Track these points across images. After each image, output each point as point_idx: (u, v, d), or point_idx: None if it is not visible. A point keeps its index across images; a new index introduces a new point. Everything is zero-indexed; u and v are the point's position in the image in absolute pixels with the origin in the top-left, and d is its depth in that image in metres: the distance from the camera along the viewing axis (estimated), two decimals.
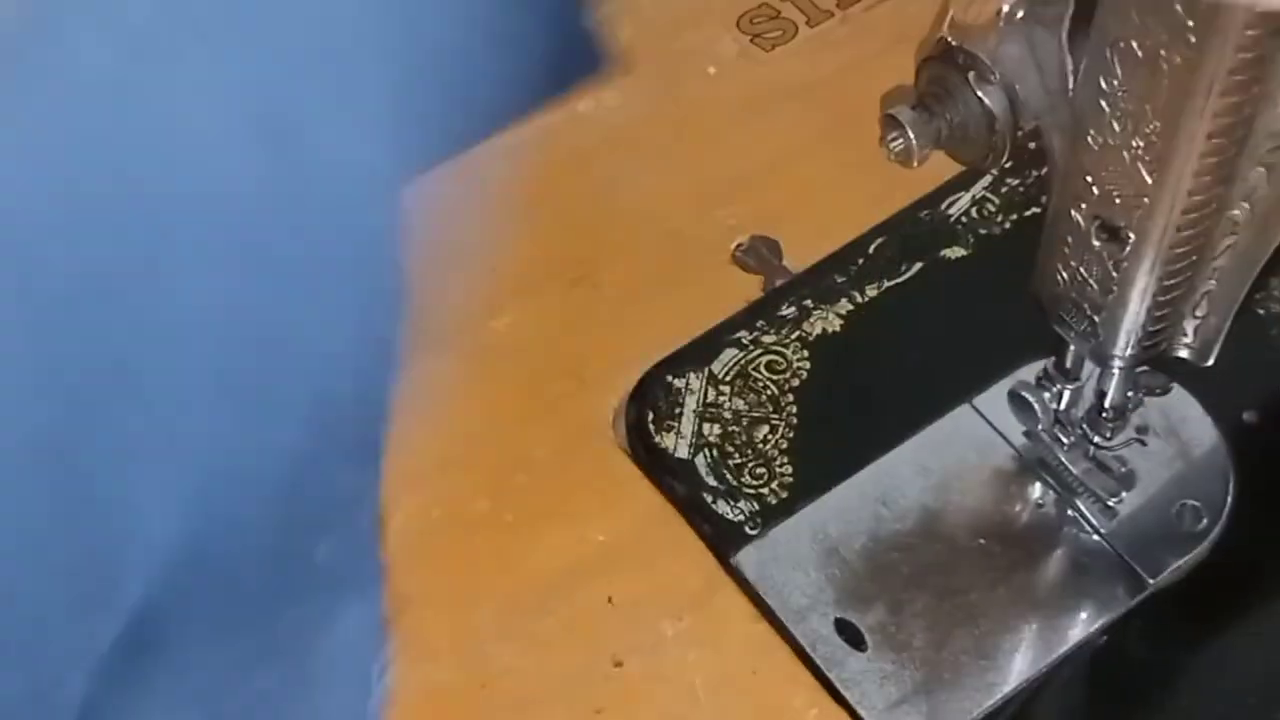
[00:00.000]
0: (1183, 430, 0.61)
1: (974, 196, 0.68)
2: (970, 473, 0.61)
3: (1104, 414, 0.57)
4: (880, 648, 0.57)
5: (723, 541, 0.60)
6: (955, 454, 0.62)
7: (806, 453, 0.62)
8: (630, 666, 0.58)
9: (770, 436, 0.62)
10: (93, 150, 0.36)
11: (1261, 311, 0.64)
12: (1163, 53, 0.43)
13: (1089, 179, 0.48)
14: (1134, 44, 0.44)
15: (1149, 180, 0.46)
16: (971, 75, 0.48)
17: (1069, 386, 0.57)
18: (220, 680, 0.44)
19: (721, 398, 0.63)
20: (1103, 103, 0.46)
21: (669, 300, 0.67)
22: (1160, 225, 0.47)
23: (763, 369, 0.64)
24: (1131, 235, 0.48)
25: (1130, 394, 0.57)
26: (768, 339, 0.65)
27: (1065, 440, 0.59)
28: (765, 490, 0.61)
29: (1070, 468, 0.59)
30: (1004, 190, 0.68)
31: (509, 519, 0.61)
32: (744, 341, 0.65)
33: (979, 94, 0.48)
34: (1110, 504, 0.59)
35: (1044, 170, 0.51)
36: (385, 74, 0.40)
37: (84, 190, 0.36)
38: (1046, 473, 0.60)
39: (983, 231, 0.67)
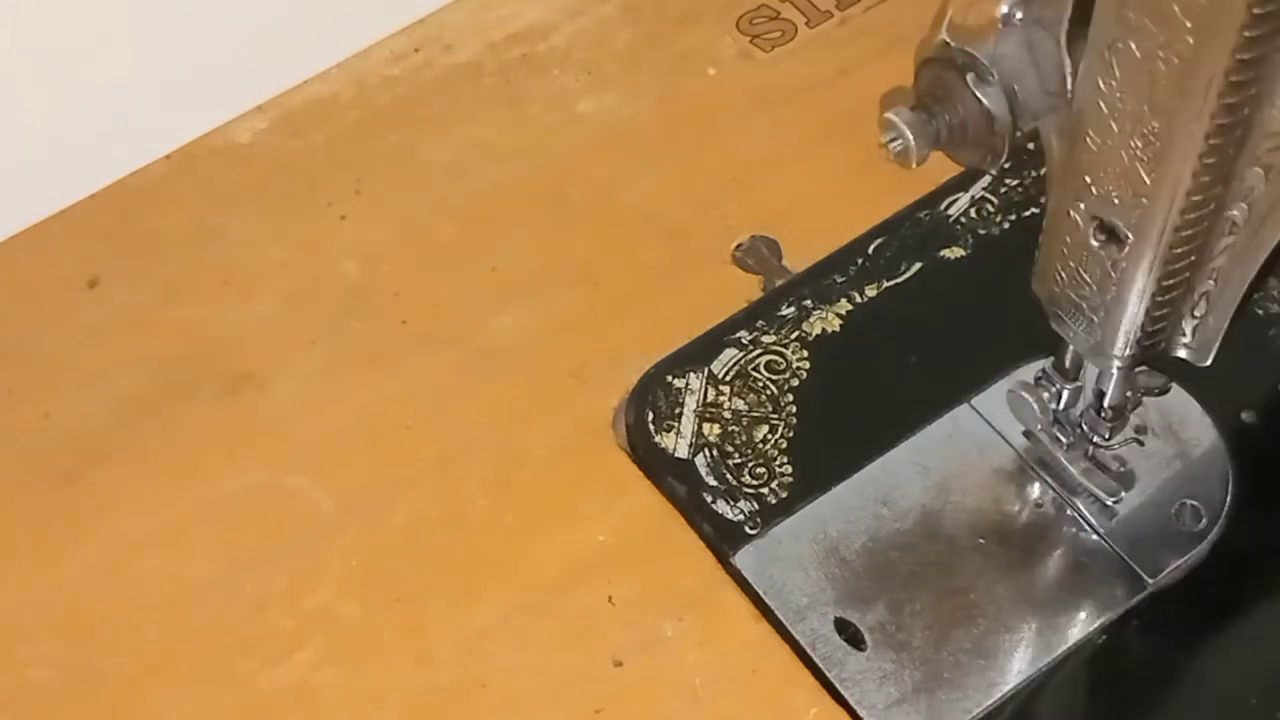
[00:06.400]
0: (1182, 430, 0.61)
1: (973, 197, 0.68)
2: (970, 473, 0.61)
3: (1103, 414, 0.57)
4: (880, 647, 0.58)
5: (723, 541, 0.60)
6: (955, 454, 0.62)
7: (806, 453, 0.62)
8: (630, 666, 0.58)
9: (770, 436, 0.62)
10: None
11: (1261, 311, 0.64)
12: (1160, 54, 0.43)
13: (1087, 179, 0.48)
14: (1132, 45, 0.44)
15: (1147, 181, 0.46)
16: (970, 76, 0.48)
17: (1068, 386, 0.57)
18: None
19: (721, 398, 0.63)
20: (1101, 103, 0.46)
21: (669, 300, 0.67)
22: (1159, 225, 0.47)
23: (762, 369, 0.64)
24: (1130, 235, 0.48)
25: (1129, 394, 0.57)
26: (767, 339, 0.65)
27: (1064, 440, 0.59)
28: (765, 490, 0.61)
29: (1069, 467, 0.59)
30: (1003, 191, 0.68)
31: (509, 519, 0.62)
32: (744, 341, 0.65)
33: (978, 95, 0.48)
34: (1109, 504, 0.59)
35: (1042, 170, 0.51)
36: None
37: None
38: (1046, 473, 0.61)
39: (981, 232, 0.67)
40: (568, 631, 0.59)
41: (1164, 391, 0.58)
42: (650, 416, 0.63)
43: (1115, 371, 0.55)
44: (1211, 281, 0.50)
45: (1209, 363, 0.53)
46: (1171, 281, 0.50)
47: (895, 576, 0.59)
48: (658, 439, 0.63)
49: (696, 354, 0.65)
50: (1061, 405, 0.58)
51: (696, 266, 0.68)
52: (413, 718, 0.58)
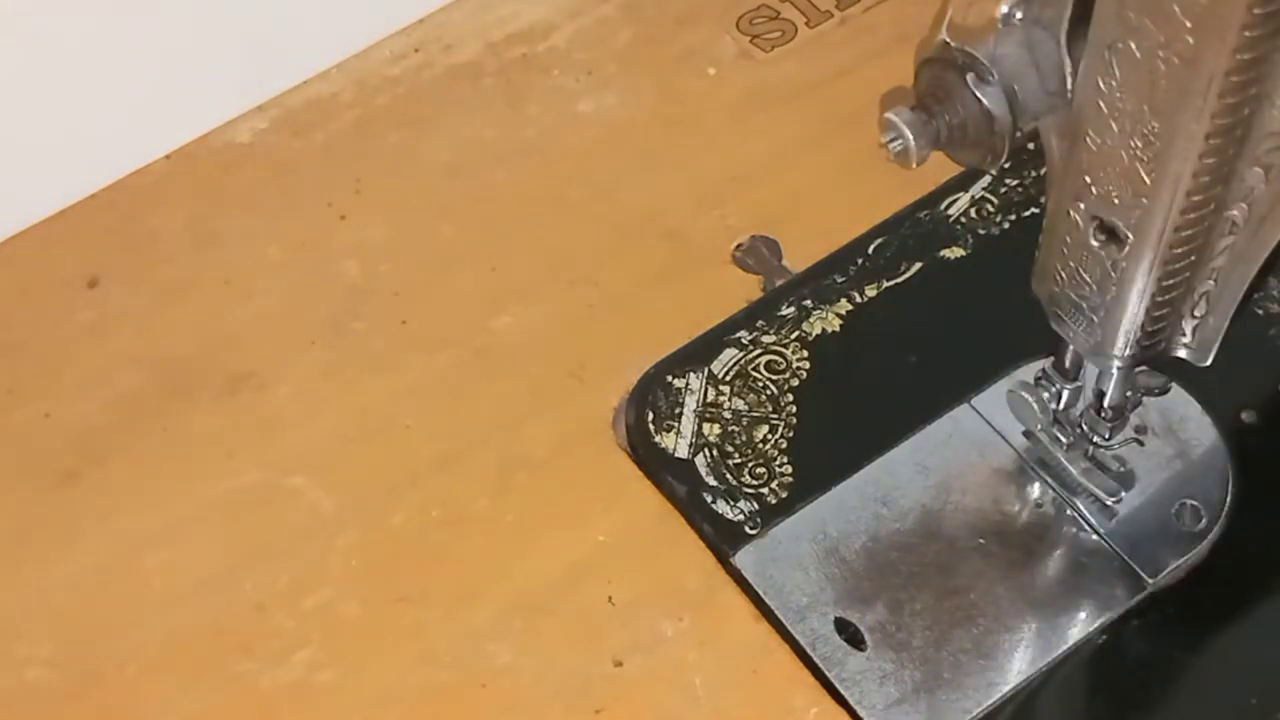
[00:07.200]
0: (1182, 430, 0.61)
1: (973, 197, 0.68)
2: (970, 473, 0.61)
3: (1103, 414, 0.57)
4: (880, 647, 0.58)
5: (723, 541, 0.60)
6: (955, 454, 0.62)
7: (806, 453, 0.62)
8: (630, 666, 0.58)
9: (770, 436, 0.62)
10: None
11: (1260, 311, 0.64)
12: (1160, 54, 0.43)
13: (1087, 179, 0.48)
14: (1132, 45, 0.44)
15: (1147, 181, 0.46)
16: (970, 76, 0.48)
17: (1068, 386, 0.57)
18: None
19: (721, 398, 0.63)
20: (1101, 103, 0.46)
21: (669, 300, 0.67)
22: (1158, 225, 0.48)
23: (762, 369, 0.64)
24: (1130, 235, 0.48)
25: (1129, 394, 0.57)
26: (767, 339, 0.65)
27: (1064, 440, 0.59)
28: (765, 490, 0.61)
29: (1069, 467, 0.59)
30: (1003, 190, 0.68)
31: (509, 519, 0.62)
32: (744, 341, 0.65)
33: (978, 95, 0.48)
34: (1109, 504, 0.59)
35: (1043, 170, 0.51)
36: None
37: None
38: (1046, 472, 0.61)
39: (981, 232, 0.67)
40: (568, 631, 0.59)
41: (1164, 391, 0.58)
42: (650, 416, 0.63)
43: (1115, 371, 0.55)
44: (1211, 281, 0.50)
45: (1209, 363, 0.53)
46: (1171, 281, 0.50)
47: (895, 576, 0.59)
48: (658, 439, 0.63)
49: (696, 354, 0.65)
50: (1061, 405, 0.58)
51: (696, 266, 0.68)
52: (413, 718, 0.58)
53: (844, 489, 0.61)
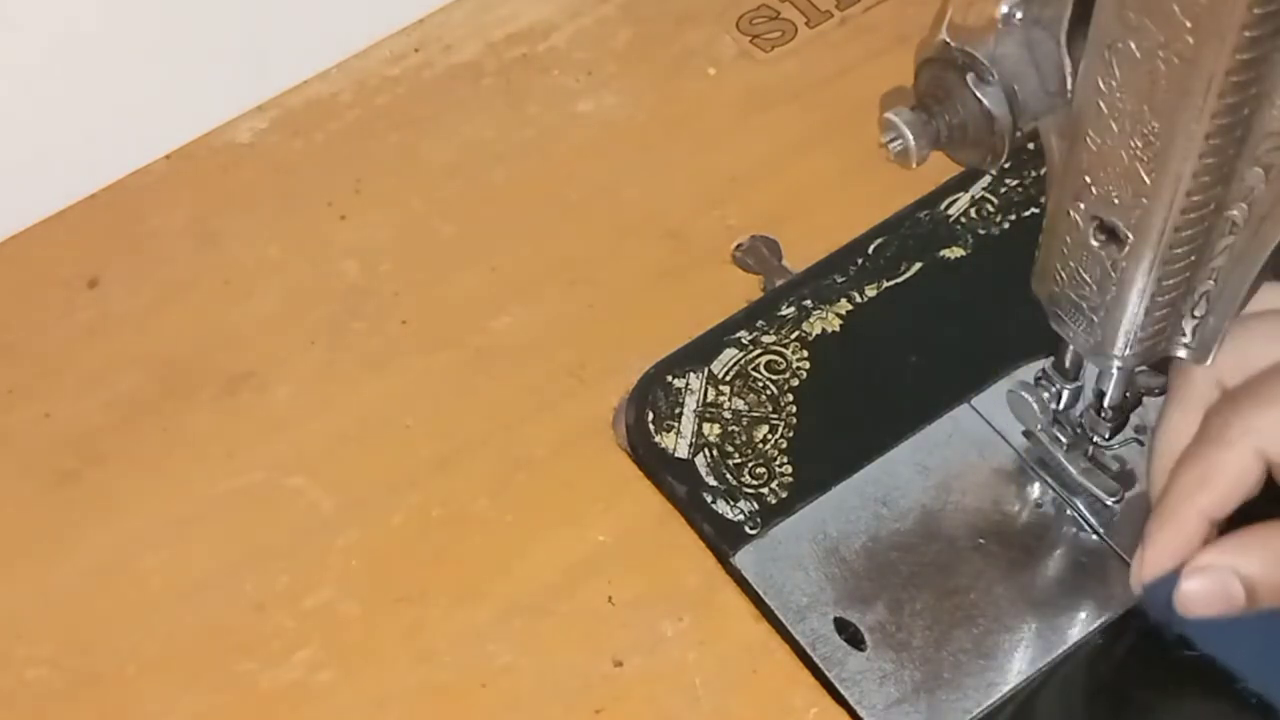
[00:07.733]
0: None
1: (973, 197, 0.68)
2: (970, 473, 0.61)
3: (1103, 414, 0.57)
4: (880, 647, 0.58)
5: (723, 541, 0.60)
6: (955, 454, 0.62)
7: (806, 453, 0.62)
8: (630, 666, 0.58)
9: (770, 436, 0.62)
10: None
11: None
12: (1160, 54, 0.43)
13: (1087, 179, 0.48)
14: (1132, 45, 0.44)
15: (1147, 181, 0.46)
16: (970, 76, 0.48)
17: (1068, 386, 0.57)
18: None
19: (721, 398, 0.63)
20: (1101, 103, 0.46)
21: (669, 300, 0.67)
22: (1158, 226, 0.47)
23: (762, 369, 0.64)
24: (1130, 235, 0.48)
25: (1129, 394, 0.57)
26: (767, 339, 0.65)
27: (1064, 440, 0.59)
28: (765, 490, 0.61)
29: (1069, 467, 0.59)
30: (1003, 190, 0.68)
31: (509, 519, 0.62)
32: (744, 341, 0.65)
33: (978, 95, 0.48)
34: (1109, 503, 0.59)
35: (1043, 170, 0.51)
36: None
37: None
38: (1045, 472, 0.61)
39: (982, 232, 0.67)
40: (568, 631, 0.59)
41: (1164, 391, 0.58)
42: (650, 416, 0.63)
43: (1115, 371, 0.55)
44: (1211, 281, 0.50)
45: (1209, 363, 0.53)
46: (1171, 281, 0.50)
47: (895, 576, 0.59)
48: (658, 439, 0.63)
49: (696, 354, 0.65)
50: (1061, 405, 0.58)
51: (696, 266, 0.68)
52: (413, 718, 0.58)
53: (844, 489, 0.61)
